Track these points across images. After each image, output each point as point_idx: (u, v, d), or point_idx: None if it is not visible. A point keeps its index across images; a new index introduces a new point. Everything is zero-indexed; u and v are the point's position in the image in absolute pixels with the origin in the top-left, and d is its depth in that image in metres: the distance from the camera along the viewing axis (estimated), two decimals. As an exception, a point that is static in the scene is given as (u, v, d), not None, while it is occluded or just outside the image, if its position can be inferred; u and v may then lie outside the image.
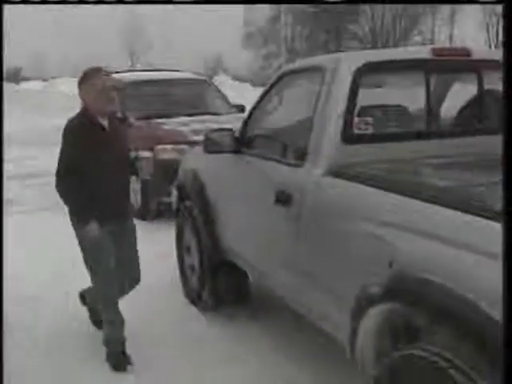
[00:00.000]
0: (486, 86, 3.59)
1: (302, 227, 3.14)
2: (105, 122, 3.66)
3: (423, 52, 3.49)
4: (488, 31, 43.24)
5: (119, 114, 8.03)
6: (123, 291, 3.92)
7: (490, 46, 40.82)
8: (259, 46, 45.40)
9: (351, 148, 3.18)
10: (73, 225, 3.70)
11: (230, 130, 4.11)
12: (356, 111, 3.22)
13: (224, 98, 9.90)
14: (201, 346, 4.04)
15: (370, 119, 3.26)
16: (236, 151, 4.01)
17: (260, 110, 4.03)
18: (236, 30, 46.19)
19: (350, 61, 3.29)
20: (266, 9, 41.98)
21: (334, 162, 3.13)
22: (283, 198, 3.29)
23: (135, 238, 3.96)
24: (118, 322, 3.83)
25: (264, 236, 3.72)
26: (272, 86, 3.92)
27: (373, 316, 2.54)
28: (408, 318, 2.39)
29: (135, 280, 3.97)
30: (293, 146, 3.54)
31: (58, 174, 3.58)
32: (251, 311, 4.60)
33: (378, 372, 2.47)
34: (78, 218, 3.62)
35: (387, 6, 40.85)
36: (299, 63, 3.90)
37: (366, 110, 3.29)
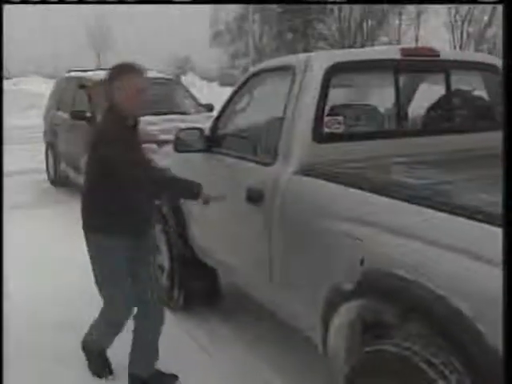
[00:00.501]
0: (454, 86, 3.66)
1: (273, 225, 3.16)
2: (133, 124, 3.32)
3: (392, 52, 3.53)
4: (453, 32, 43.81)
5: (88, 114, 7.96)
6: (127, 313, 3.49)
7: (454, 47, 41.37)
8: (227, 45, 45.38)
9: (322, 147, 3.21)
10: (89, 235, 3.33)
11: (200, 128, 4.10)
12: (326, 110, 3.25)
13: (192, 97, 9.88)
14: (172, 348, 3.97)
15: (340, 118, 3.29)
16: (206, 150, 4.01)
17: (230, 109, 4.04)
18: (204, 29, 46.09)
19: (320, 60, 3.31)
20: (233, 7, 41.97)
21: (304, 160, 3.15)
22: (254, 196, 3.29)
23: (154, 257, 3.61)
24: (108, 340, 3.67)
25: (235, 234, 3.72)
26: (242, 85, 3.93)
27: (344, 312, 2.56)
28: (379, 314, 2.42)
29: (146, 308, 3.50)
30: (263, 145, 3.55)
31: (96, 180, 3.25)
32: (223, 311, 4.60)
33: (349, 368, 2.50)
34: (98, 229, 3.28)
35: (355, 6, 41.15)
36: (269, 62, 3.91)
37: (336, 109, 3.33)
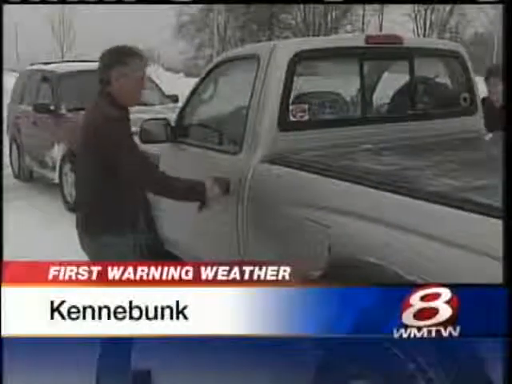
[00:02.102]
0: (417, 73, 3.69)
1: (240, 214, 3.15)
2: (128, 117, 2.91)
3: (357, 39, 3.54)
4: (416, 21, 44.19)
5: (52, 106, 7.84)
6: None
7: (418, 35, 41.74)
8: (192, 36, 45.12)
9: (287, 135, 3.21)
10: (93, 233, 2.82)
11: (166, 119, 4.06)
12: (291, 98, 3.25)
13: (157, 88, 9.78)
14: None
15: (305, 106, 3.30)
16: (172, 140, 3.97)
17: (196, 99, 4.00)
18: (168, 19, 45.73)
19: (285, 48, 3.31)
20: (197, -2, 41.71)
21: (270, 149, 3.15)
22: (221, 186, 3.28)
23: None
24: None
25: (202, 224, 3.70)
26: (208, 75, 3.90)
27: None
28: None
29: None
30: (229, 134, 3.54)
31: (98, 174, 2.76)
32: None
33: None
34: (104, 227, 2.78)
35: (318, -4, 41.18)
36: (234, 51, 3.90)
37: (301, 97, 3.33)
